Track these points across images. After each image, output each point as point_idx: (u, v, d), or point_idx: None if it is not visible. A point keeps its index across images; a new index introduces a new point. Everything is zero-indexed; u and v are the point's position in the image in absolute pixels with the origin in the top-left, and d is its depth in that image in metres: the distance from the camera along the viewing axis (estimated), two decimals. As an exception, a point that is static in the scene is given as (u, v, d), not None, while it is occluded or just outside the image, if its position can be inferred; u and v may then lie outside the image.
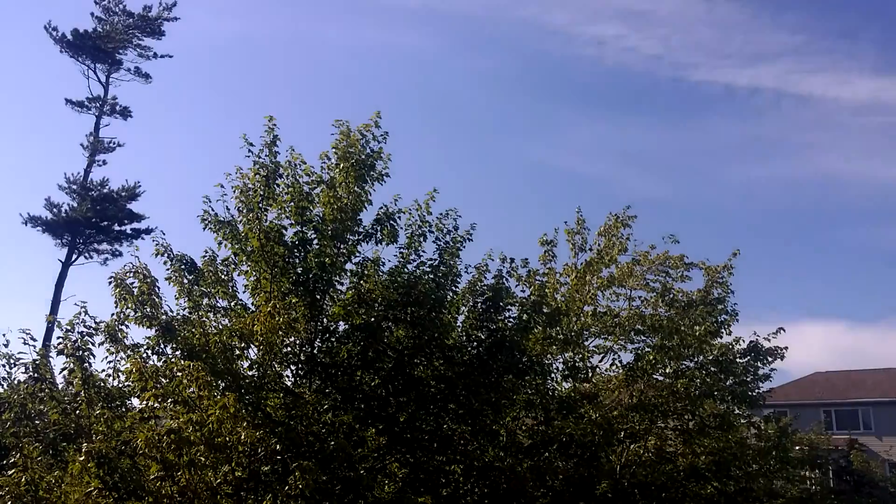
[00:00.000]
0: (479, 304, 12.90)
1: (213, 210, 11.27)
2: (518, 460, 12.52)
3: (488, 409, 11.97)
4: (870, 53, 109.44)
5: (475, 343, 12.70)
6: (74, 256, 34.66)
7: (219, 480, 8.94)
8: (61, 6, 71.03)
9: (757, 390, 17.78)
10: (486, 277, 13.19)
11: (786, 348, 18.03)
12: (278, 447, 9.44)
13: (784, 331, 17.96)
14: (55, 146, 68.51)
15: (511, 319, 13.32)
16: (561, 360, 15.19)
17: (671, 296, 17.52)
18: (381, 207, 12.15)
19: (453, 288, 12.67)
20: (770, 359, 17.85)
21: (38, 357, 10.21)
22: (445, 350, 12.08)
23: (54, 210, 34.50)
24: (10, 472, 8.71)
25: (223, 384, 9.38)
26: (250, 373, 10.15)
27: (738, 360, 17.53)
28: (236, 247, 11.13)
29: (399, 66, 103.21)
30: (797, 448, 19.85)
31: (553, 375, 14.24)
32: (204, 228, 11.10)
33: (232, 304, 11.20)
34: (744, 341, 17.64)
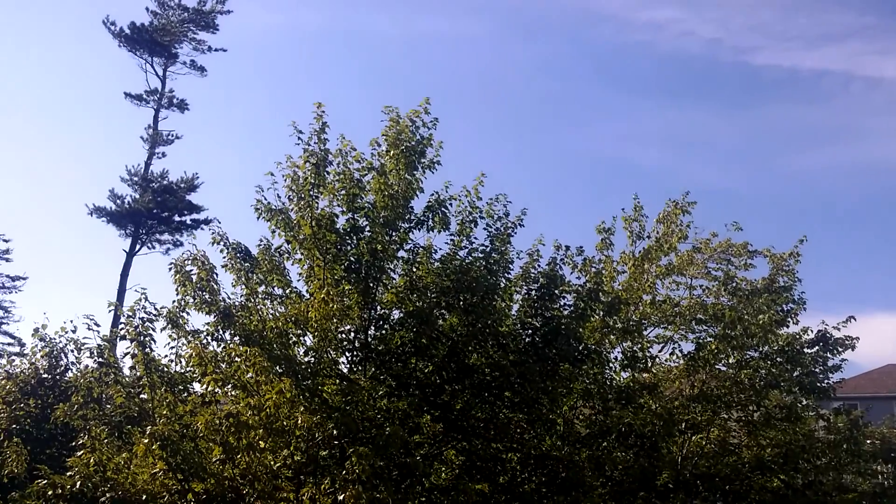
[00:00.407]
0: (533, 292, 12.98)
1: (265, 199, 11.60)
2: (576, 450, 12.57)
3: (544, 397, 12.04)
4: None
5: (529, 331, 12.78)
6: (138, 246, 36.03)
7: (278, 464, 9.24)
8: (119, 1, 73.35)
9: (826, 381, 17.40)
10: (538, 264, 13.25)
11: (857, 338, 17.60)
12: (335, 432, 9.70)
13: (855, 319, 17.51)
14: (116, 138, 71.07)
15: (567, 307, 13.35)
16: (619, 349, 15.15)
17: (734, 284, 17.28)
18: (433, 194, 12.31)
19: (506, 275, 12.77)
20: (840, 349, 17.43)
21: (103, 342, 10.69)
22: (499, 337, 12.20)
23: (118, 201, 35.93)
24: (79, 454, 9.18)
25: (280, 370, 9.67)
26: (306, 359, 10.43)
27: (805, 350, 17.17)
28: (289, 235, 11.43)
29: (451, 55, 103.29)
30: (868, 442, 19.34)
31: (611, 365, 14.22)
32: (258, 217, 11.44)
33: (287, 291, 11.52)
34: (811, 331, 17.27)
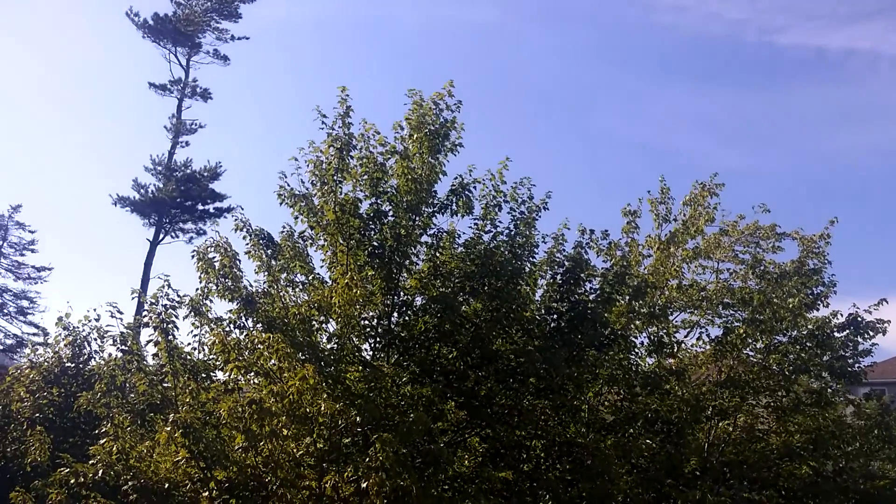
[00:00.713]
0: (559, 276, 12.71)
1: (288, 185, 11.42)
2: (601, 437, 12.32)
3: (569, 383, 11.80)
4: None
5: (555, 315, 12.53)
6: (161, 235, 36.12)
7: (301, 452, 9.11)
8: (142, -9, 73.34)
9: (857, 366, 16.94)
10: (563, 249, 12.99)
11: (888, 321, 17.07)
12: (358, 419, 9.54)
13: (887, 302, 16.98)
14: (140, 128, 71.38)
15: (593, 291, 13.09)
16: (645, 335, 14.81)
17: (762, 267, 16.84)
18: (457, 178, 12.08)
19: (531, 259, 12.52)
20: (871, 333, 16.94)
21: (126, 330, 10.61)
22: (524, 323, 11.96)
23: (141, 191, 36.02)
24: (102, 442, 9.11)
25: (303, 356, 9.52)
26: (329, 346, 10.27)
27: (835, 334, 16.71)
28: (312, 220, 11.25)
29: (472, 41, 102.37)
30: (901, 427, 18.85)
31: (637, 350, 13.91)
32: (280, 204, 11.27)
33: (309, 278, 11.35)
34: (841, 315, 16.79)
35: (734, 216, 17.23)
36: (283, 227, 11.65)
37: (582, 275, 12.79)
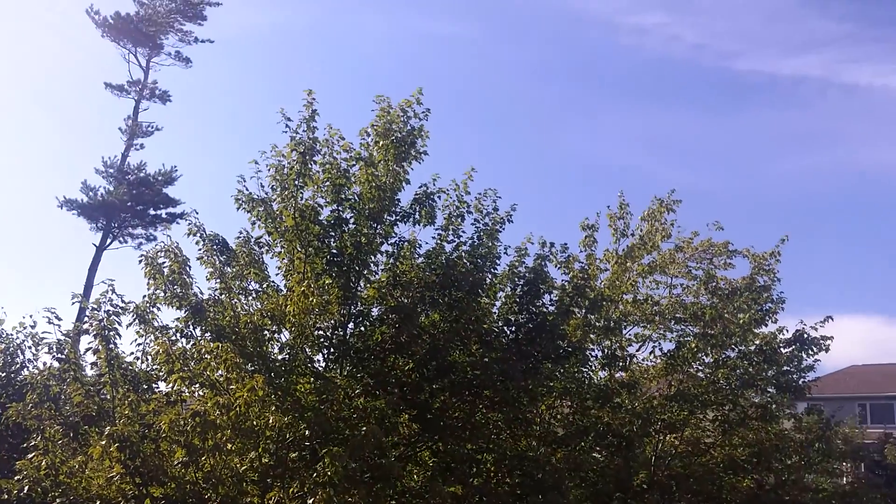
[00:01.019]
0: (520, 288, 12.23)
1: (247, 189, 10.71)
2: (552, 450, 11.84)
3: (524, 396, 11.32)
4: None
5: (513, 327, 12.05)
6: (109, 240, 33.74)
7: (245, 467, 8.44)
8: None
9: (802, 381, 16.78)
10: (525, 262, 12.51)
11: (831, 338, 16.94)
12: (307, 433, 8.91)
13: (832, 319, 16.84)
14: (94, 130, 67.41)
15: (552, 304, 12.67)
16: (599, 348, 14.39)
17: (714, 283, 16.60)
18: (421, 187, 11.51)
19: (493, 270, 12.02)
20: (815, 349, 16.78)
21: (64, 337, 9.81)
22: (482, 334, 11.44)
23: (90, 193, 33.60)
24: (30, 456, 8.33)
25: (252, 367, 8.86)
26: (281, 356, 9.61)
27: (782, 349, 16.52)
28: (270, 226, 10.56)
29: (438, 55, 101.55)
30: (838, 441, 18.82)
31: (591, 363, 13.48)
32: (238, 208, 10.56)
33: (264, 286, 10.66)
34: (788, 331, 16.60)
35: (689, 233, 16.98)
36: (240, 233, 10.93)
37: (542, 287, 12.34)
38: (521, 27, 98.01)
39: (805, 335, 16.41)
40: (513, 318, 12.11)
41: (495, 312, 12.28)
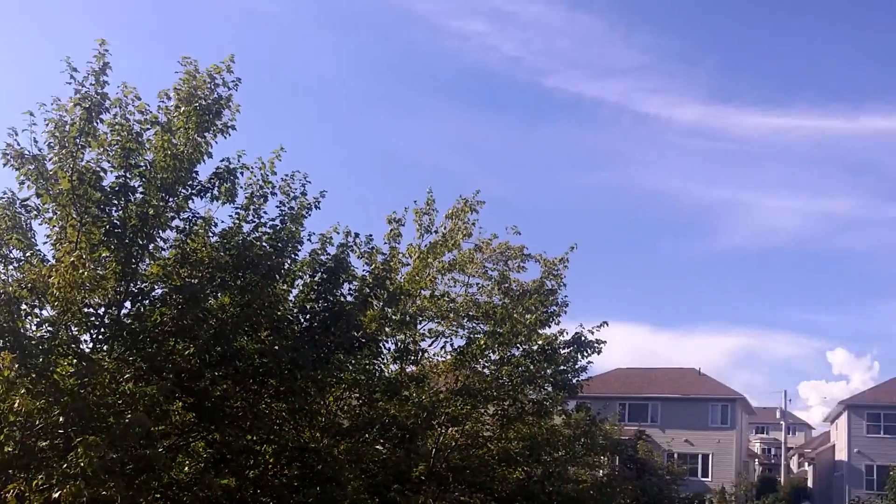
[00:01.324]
0: (320, 275, 11.88)
1: (18, 144, 9.37)
2: (336, 442, 11.67)
3: (313, 386, 11.02)
4: (703, 80, 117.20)
5: (308, 315, 11.68)
6: None
7: (-20, 457, 7.40)
8: None
9: (576, 380, 18.00)
10: (328, 250, 12.19)
11: (605, 342, 18.34)
12: (61, 419, 8.00)
13: (608, 324, 18.21)
14: None
15: (351, 293, 12.46)
16: (393, 341, 14.43)
17: (507, 284, 17.34)
18: (223, 161, 10.76)
19: (293, 256, 11.56)
20: (590, 351, 18.07)
21: None
22: (275, 321, 10.97)
23: None
24: None
25: (2, 344, 7.79)
26: (38, 333, 8.54)
27: (561, 350, 17.61)
28: (41, 188, 9.34)
29: (256, 33, 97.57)
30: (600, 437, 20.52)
31: (383, 356, 13.47)
32: (3, 165, 9.21)
33: (27, 254, 9.41)
34: (568, 333, 17.75)
35: (489, 235, 17.59)
36: (4, 193, 9.55)
37: (342, 276, 12.08)
38: (345, 14, 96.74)
39: (583, 338, 17.65)
40: (308, 307, 11.75)
41: (292, 300, 11.85)
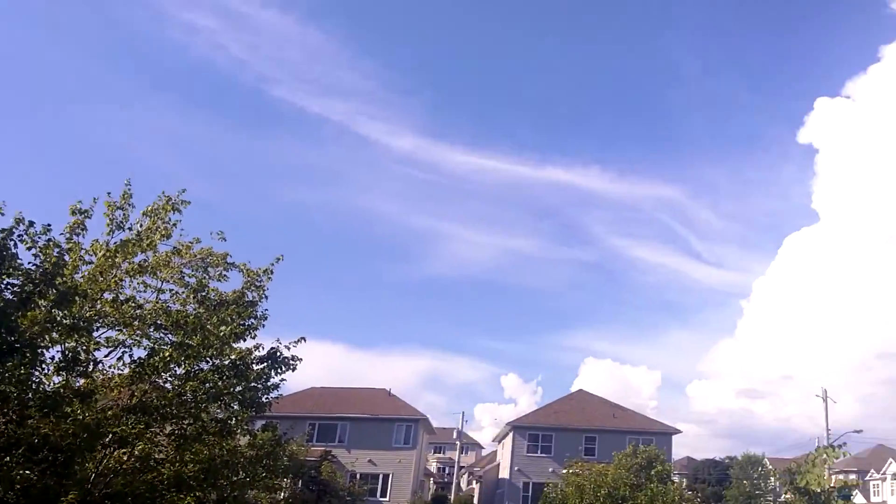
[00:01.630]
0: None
1: None
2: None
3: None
4: (420, 113, 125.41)
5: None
6: None
7: None
8: None
9: (265, 397, 17.59)
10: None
11: (301, 359, 18.23)
12: None
13: (305, 340, 18.11)
14: None
15: (11, 289, 10.86)
16: (60, 348, 12.77)
17: (205, 293, 16.42)
18: None
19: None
20: (285, 368, 17.81)
21: None
22: None
23: None
24: None
25: None
26: None
27: (254, 365, 17.12)
28: None
29: None
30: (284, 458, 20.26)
31: (45, 366, 11.86)
32: None
33: None
34: (263, 347, 17.32)
35: (191, 238, 16.51)
36: None
37: (3, 269, 10.49)
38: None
39: (279, 353, 17.32)
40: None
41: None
